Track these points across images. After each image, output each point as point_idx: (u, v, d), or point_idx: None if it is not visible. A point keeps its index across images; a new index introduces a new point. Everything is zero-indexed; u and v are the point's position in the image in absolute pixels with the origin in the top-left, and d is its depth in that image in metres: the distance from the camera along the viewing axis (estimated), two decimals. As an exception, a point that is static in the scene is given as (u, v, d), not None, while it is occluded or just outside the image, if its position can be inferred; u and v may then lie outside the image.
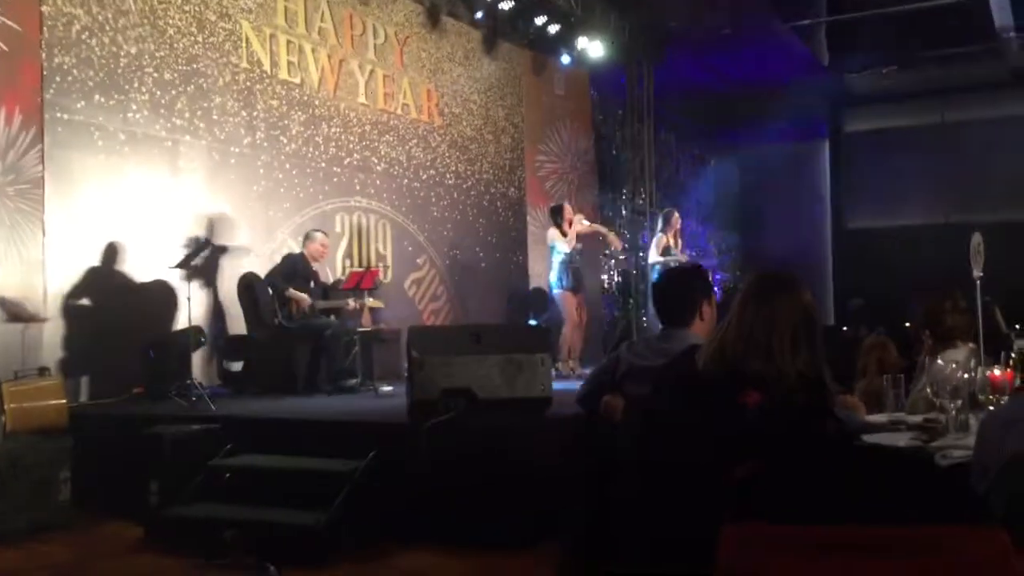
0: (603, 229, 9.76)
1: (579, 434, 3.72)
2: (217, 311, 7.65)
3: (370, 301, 7.96)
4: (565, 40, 11.20)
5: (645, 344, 3.39)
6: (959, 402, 2.94)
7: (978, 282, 4.98)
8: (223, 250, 7.71)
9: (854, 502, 2.14)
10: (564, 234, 8.66)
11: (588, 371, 7.53)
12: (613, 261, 12.59)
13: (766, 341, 2.34)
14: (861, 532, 1.74)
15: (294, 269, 7.43)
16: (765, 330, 2.36)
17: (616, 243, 10.16)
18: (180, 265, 6.96)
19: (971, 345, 3.91)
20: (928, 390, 3.08)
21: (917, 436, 2.81)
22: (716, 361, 2.43)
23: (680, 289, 3.37)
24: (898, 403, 3.26)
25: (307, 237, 7.72)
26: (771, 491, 2.15)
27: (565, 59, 11.48)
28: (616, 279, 12.98)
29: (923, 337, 4.12)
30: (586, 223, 9.06)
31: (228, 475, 5.32)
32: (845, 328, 12.05)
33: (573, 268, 8.52)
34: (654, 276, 9.47)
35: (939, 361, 3.50)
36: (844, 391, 3.33)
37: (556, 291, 8.64)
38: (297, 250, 7.84)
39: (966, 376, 3.06)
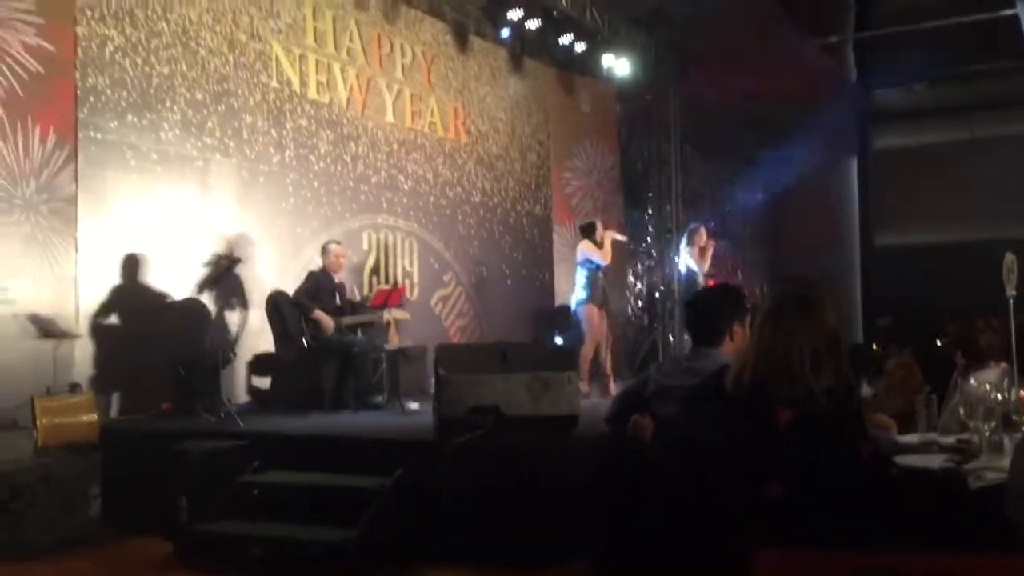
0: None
1: (607, 453, 3.70)
2: (245, 329, 7.71)
3: (396, 313, 7.97)
4: (591, 58, 11.23)
5: (673, 364, 3.38)
6: (993, 423, 2.90)
7: (1011, 301, 4.92)
8: (251, 268, 7.76)
9: (890, 527, 2.12)
10: (599, 246, 8.53)
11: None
12: (639, 283, 12.55)
13: (786, 361, 2.33)
14: (897, 559, 1.72)
15: (318, 286, 7.47)
16: (785, 352, 2.35)
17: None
18: (210, 283, 7.02)
19: (1004, 365, 3.86)
20: (961, 411, 3.05)
21: (951, 458, 2.77)
22: (744, 381, 2.42)
23: (710, 310, 3.36)
24: (930, 423, 3.22)
25: (323, 250, 7.75)
26: (806, 513, 2.14)
27: (597, 78, 11.51)
28: (643, 297, 12.94)
29: (955, 357, 4.09)
30: (614, 234, 8.94)
31: (256, 491, 5.34)
32: (874, 346, 11.93)
33: (599, 285, 8.43)
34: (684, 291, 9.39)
35: (972, 381, 3.46)
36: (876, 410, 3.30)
37: (579, 306, 8.49)
38: (319, 267, 7.87)
39: (999, 397, 3.02)
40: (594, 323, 8.36)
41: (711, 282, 9.47)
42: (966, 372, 3.91)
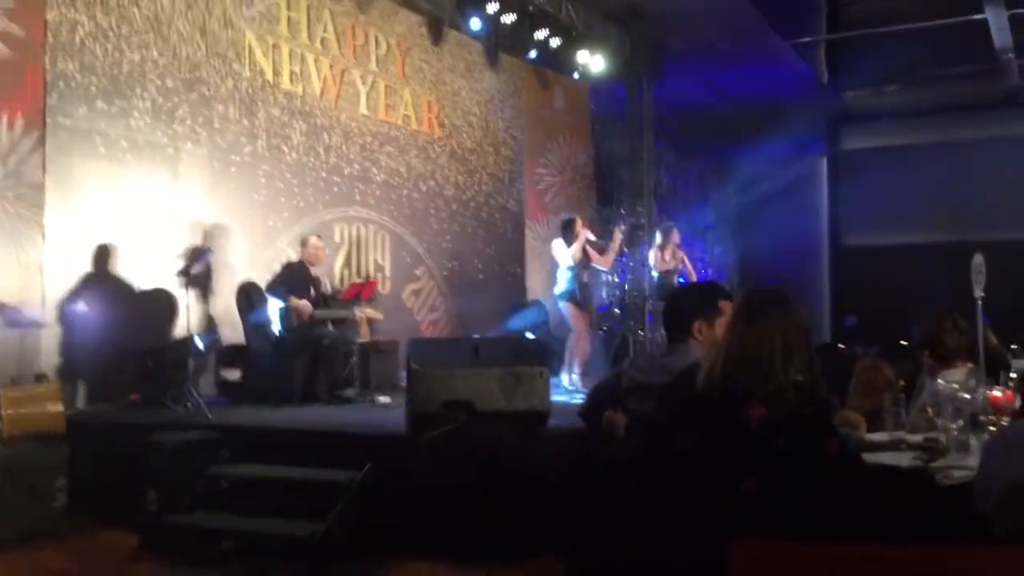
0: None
1: (578, 448, 3.72)
2: (215, 320, 7.64)
3: (368, 312, 7.95)
4: (566, 54, 11.22)
5: (648, 360, 3.39)
6: (960, 422, 2.95)
7: (979, 302, 4.99)
8: (222, 258, 7.69)
9: (860, 522, 2.15)
10: (569, 245, 8.54)
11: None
12: (609, 278, 12.57)
13: (757, 357, 2.35)
14: (869, 551, 1.75)
15: (294, 277, 7.42)
16: (756, 346, 2.37)
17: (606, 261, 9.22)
18: (180, 273, 6.95)
19: (970, 365, 3.91)
20: (929, 410, 3.09)
21: (919, 456, 2.81)
22: (714, 379, 2.44)
23: (677, 306, 3.38)
24: (898, 422, 3.26)
25: (302, 243, 7.73)
26: (779, 507, 2.16)
27: (571, 74, 11.52)
28: (614, 294, 12.98)
29: (922, 357, 4.13)
30: (591, 237, 8.96)
31: (225, 484, 5.31)
32: (841, 346, 12.04)
33: (583, 283, 8.43)
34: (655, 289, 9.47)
35: (939, 381, 3.51)
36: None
37: (562, 303, 8.51)
38: (296, 259, 7.83)
39: (967, 396, 3.06)
40: (578, 319, 8.39)
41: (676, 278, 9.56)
42: (933, 372, 3.96)
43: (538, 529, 4.60)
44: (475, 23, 10.17)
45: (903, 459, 2.79)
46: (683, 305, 3.34)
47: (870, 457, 2.79)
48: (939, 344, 3.83)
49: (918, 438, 3.13)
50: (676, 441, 2.34)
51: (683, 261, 9.97)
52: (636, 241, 12.68)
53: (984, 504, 2.26)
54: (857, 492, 2.24)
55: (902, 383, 4.87)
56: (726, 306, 3.21)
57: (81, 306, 6.70)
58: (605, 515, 2.75)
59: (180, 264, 7.05)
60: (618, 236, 8.82)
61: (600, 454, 3.14)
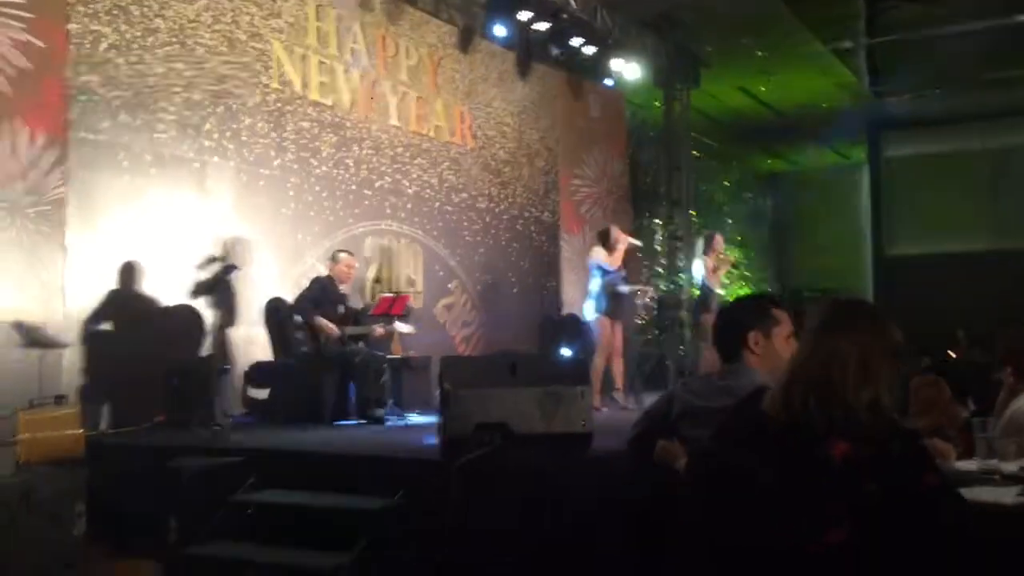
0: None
1: (628, 478, 3.41)
2: (243, 337, 7.42)
3: (400, 327, 7.70)
4: (601, 62, 10.96)
5: (704, 382, 3.08)
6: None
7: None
8: (250, 274, 7.48)
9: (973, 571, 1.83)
10: (611, 251, 8.23)
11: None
12: (650, 291, 12.25)
13: (827, 376, 2.03)
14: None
15: (323, 293, 7.20)
16: (826, 363, 2.05)
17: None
18: (205, 290, 6.74)
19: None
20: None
21: (1023, 491, 2.47)
22: (780, 403, 2.12)
23: (729, 321, 3.10)
24: (990, 449, 2.92)
25: (332, 258, 7.51)
26: (872, 562, 1.84)
27: (607, 81, 11.25)
28: (651, 308, 12.65)
29: (1002, 374, 3.79)
30: (633, 241, 8.67)
31: (251, 511, 5.05)
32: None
33: (613, 292, 8.12)
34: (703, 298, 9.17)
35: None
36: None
37: (593, 317, 8.22)
38: (324, 274, 7.60)
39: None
40: (607, 334, 8.07)
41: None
42: (1014, 390, 3.62)
43: (580, 560, 4.29)
44: (499, 30, 9.89)
45: (1007, 495, 2.45)
46: (736, 317, 3.07)
47: (966, 492, 2.46)
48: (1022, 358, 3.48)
49: (1012, 467, 2.79)
50: (752, 478, 2.01)
51: (732, 265, 9.69)
52: (674, 252, 12.37)
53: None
54: (963, 539, 1.92)
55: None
56: (780, 315, 2.93)
57: (104, 325, 6.51)
58: (664, 558, 2.44)
59: (206, 280, 6.84)
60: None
61: (654, 488, 2.83)
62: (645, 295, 9.64)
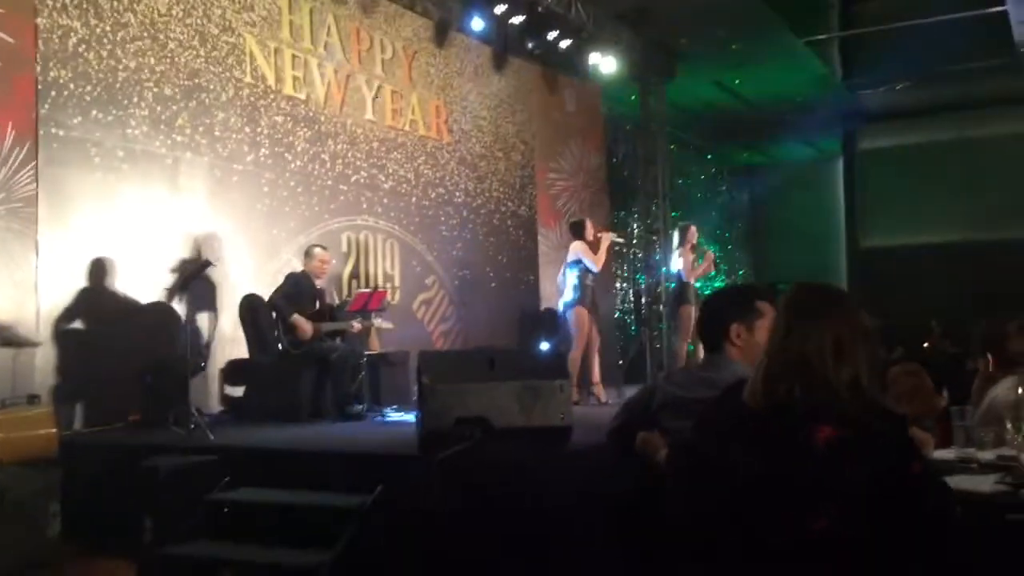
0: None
1: (608, 470, 3.39)
2: (218, 334, 7.35)
3: (378, 323, 7.66)
4: (576, 56, 10.94)
5: (686, 374, 3.08)
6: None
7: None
8: (224, 271, 7.41)
9: (952, 562, 1.83)
10: (593, 247, 8.22)
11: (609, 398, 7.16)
12: (625, 284, 12.27)
13: (801, 357, 2.02)
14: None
15: (298, 289, 7.13)
16: (800, 346, 2.04)
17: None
18: (180, 287, 6.67)
19: (1033, 371, 3.58)
20: (1008, 425, 2.76)
21: (1001, 479, 2.48)
22: (760, 390, 2.11)
23: (711, 313, 3.09)
24: (969, 438, 2.93)
25: (307, 254, 7.44)
26: (857, 549, 1.84)
27: (582, 76, 11.23)
28: (629, 300, 12.67)
29: (977, 363, 3.81)
30: (612, 235, 8.67)
31: (227, 510, 5.00)
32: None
33: (588, 286, 8.13)
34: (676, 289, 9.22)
35: (1002, 388, 3.19)
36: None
37: (568, 309, 8.19)
38: (300, 269, 7.54)
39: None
40: (583, 326, 8.07)
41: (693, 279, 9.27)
42: (991, 379, 3.63)
43: (560, 553, 4.28)
44: (476, 24, 9.86)
45: (985, 483, 2.45)
46: (718, 309, 3.06)
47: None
48: (1002, 349, 3.49)
49: (989, 455, 2.80)
50: (736, 468, 2.00)
51: (713, 263, 9.71)
52: (650, 244, 12.38)
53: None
54: (947, 528, 1.92)
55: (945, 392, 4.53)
56: (764, 307, 2.91)
57: (77, 323, 6.42)
58: (647, 549, 2.43)
59: (177, 276, 6.77)
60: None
61: (635, 480, 2.82)
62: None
